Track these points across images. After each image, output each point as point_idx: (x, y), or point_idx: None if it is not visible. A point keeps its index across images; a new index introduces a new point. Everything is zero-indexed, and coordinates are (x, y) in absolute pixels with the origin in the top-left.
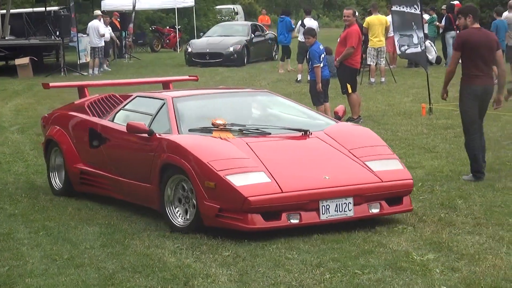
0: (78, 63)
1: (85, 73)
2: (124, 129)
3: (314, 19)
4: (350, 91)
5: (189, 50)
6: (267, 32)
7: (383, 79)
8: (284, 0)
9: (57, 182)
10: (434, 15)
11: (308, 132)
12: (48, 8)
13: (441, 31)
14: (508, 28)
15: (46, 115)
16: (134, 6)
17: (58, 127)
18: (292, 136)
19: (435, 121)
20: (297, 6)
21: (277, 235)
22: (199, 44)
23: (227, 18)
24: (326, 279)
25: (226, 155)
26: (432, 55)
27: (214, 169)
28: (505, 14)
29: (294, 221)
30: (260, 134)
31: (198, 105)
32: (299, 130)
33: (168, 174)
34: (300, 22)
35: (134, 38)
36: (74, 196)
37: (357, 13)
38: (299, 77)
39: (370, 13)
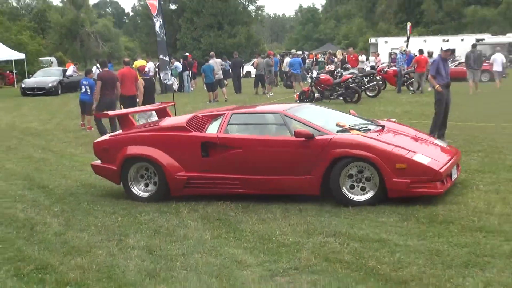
0: None
1: None
2: (260, 138)
3: None
4: None
5: (23, 86)
6: (72, 74)
7: None
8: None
9: (137, 191)
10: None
11: (384, 127)
12: None
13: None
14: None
15: (102, 139)
16: None
17: (145, 147)
18: (387, 129)
19: None
20: None
21: None
22: (29, 82)
23: (46, 65)
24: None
25: (398, 143)
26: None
27: (404, 151)
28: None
29: None
30: (375, 130)
31: (303, 114)
32: (380, 125)
33: (341, 165)
34: None
35: None
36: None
37: None
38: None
39: None
